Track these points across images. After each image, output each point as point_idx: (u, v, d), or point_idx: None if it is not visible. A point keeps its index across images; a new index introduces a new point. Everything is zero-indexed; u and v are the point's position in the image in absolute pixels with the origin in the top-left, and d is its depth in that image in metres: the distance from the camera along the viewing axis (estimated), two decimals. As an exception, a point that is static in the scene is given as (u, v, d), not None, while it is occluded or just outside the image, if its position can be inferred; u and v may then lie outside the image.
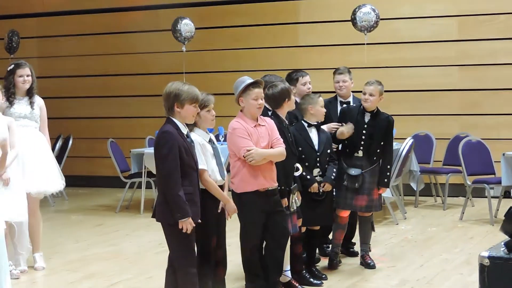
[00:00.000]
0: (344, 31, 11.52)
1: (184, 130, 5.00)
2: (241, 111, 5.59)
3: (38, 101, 7.17)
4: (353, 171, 6.65)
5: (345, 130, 6.65)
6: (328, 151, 6.47)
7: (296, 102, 6.22)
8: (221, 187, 5.38)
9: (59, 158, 10.15)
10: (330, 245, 7.03)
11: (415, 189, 10.29)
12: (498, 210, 9.24)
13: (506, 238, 3.74)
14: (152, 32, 12.89)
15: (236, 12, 12.42)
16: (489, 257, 3.69)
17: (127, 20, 13.14)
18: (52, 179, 7.18)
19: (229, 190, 5.53)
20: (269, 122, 5.67)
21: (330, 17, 11.87)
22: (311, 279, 6.29)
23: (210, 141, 5.40)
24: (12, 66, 7.12)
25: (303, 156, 6.24)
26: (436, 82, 11.38)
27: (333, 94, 7.43)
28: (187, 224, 4.84)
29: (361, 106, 6.74)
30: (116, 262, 7.41)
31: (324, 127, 6.61)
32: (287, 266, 6.06)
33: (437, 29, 11.39)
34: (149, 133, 11.24)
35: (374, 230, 7.36)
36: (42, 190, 7.10)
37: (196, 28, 11.63)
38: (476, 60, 11.18)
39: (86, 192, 12.57)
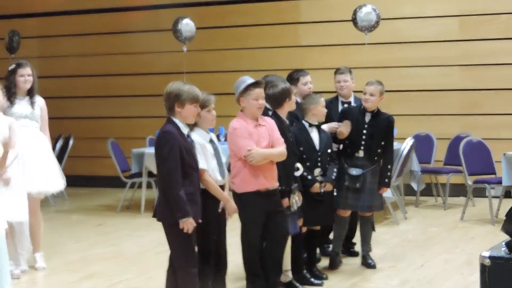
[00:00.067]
0: (345, 31, 11.51)
1: (185, 130, 5.00)
2: (241, 111, 5.59)
3: (39, 101, 7.17)
4: (354, 171, 6.65)
5: (344, 129, 6.66)
6: (329, 151, 6.47)
7: (296, 102, 6.22)
8: (222, 187, 5.38)
9: (59, 158, 10.14)
10: (331, 245, 7.03)
11: (416, 189, 10.28)
12: (499, 210, 9.24)
13: (507, 238, 3.74)
14: (152, 32, 12.89)
15: (237, 12, 12.42)
16: (490, 257, 3.69)
17: (128, 20, 13.14)
18: (53, 179, 7.18)
19: (230, 190, 5.53)
20: (270, 122, 5.67)
21: (330, 17, 11.87)
22: (312, 279, 6.29)
23: (211, 141, 5.40)
24: (14, 65, 7.13)
25: (304, 156, 6.24)
26: (437, 82, 11.37)
27: (334, 94, 7.42)
28: (187, 224, 4.85)
29: (362, 106, 6.75)
30: (116, 262, 7.41)
31: (324, 126, 6.62)
32: (288, 266, 6.06)
33: (437, 29, 11.38)
34: (149, 133, 11.24)
35: (374, 230, 7.35)
36: (43, 190, 7.10)
37: (196, 28, 11.63)
38: (477, 60, 11.18)
39: (86, 192, 12.57)
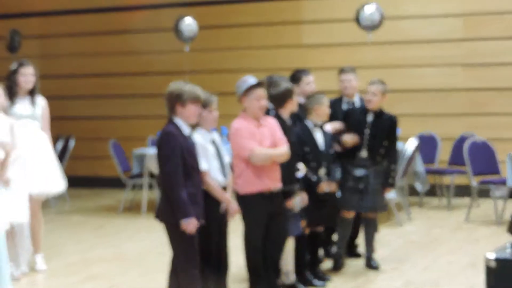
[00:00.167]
0: (347, 30, 11.50)
1: (187, 131, 5.00)
2: (243, 111, 5.58)
3: (40, 101, 7.17)
4: (358, 172, 6.65)
5: (349, 139, 6.67)
6: (332, 151, 6.48)
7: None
8: (224, 188, 5.37)
9: (60, 159, 10.12)
10: (334, 246, 7.03)
11: (420, 189, 10.26)
12: (503, 211, 9.22)
13: (512, 239, 3.73)
14: (154, 31, 12.88)
15: (239, 11, 12.40)
16: (495, 259, 3.69)
17: (130, 20, 13.13)
18: (54, 180, 7.18)
19: (233, 191, 5.53)
20: (272, 122, 5.67)
21: (334, 16, 11.85)
22: (315, 281, 6.29)
23: (213, 141, 5.39)
24: (16, 65, 7.13)
25: (309, 156, 6.24)
26: (441, 81, 11.35)
27: (337, 94, 7.42)
28: (189, 225, 4.85)
29: (365, 106, 6.75)
30: (117, 264, 7.41)
31: (328, 126, 6.62)
32: (291, 267, 6.05)
33: (441, 28, 11.35)
34: (151, 133, 11.23)
35: (378, 231, 7.34)
36: (44, 191, 7.10)
37: (198, 28, 11.62)
38: (481, 59, 11.15)
39: (87, 193, 12.56)
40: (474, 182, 9.27)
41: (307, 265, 6.32)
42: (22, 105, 7.04)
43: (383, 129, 6.71)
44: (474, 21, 11.20)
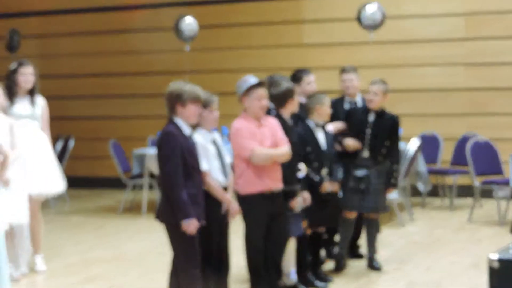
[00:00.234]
0: (349, 30, 11.49)
1: (187, 131, 5.00)
2: (244, 111, 5.58)
3: (40, 100, 7.17)
4: (359, 172, 6.64)
5: (352, 144, 6.66)
6: (334, 151, 6.48)
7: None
8: (225, 188, 5.37)
9: (60, 159, 10.13)
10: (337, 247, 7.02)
11: (422, 190, 10.25)
12: (506, 211, 9.21)
13: (515, 240, 3.73)
14: (154, 30, 12.87)
15: (239, 11, 12.40)
16: (498, 260, 3.68)
17: (130, 19, 13.12)
18: (53, 180, 7.17)
19: (233, 192, 5.52)
20: (273, 122, 5.66)
21: (335, 15, 11.84)
22: (317, 282, 6.28)
23: (214, 141, 5.39)
24: (15, 64, 7.13)
25: (311, 156, 6.23)
26: (443, 81, 11.35)
27: (338, 94, 7.41)
28: (190, 226, 4.84)
29: (366, 106, 6.75)
30: (117, 265, 7.40)
31: (330, 126, 6.62)
32: (292, 268, 6.05)
33: (443, 27, 11.35)
34: (151, 133, 11.22)
35: (380, 232, 7.33)
36: (44, 191, 7.10)
37: (199, 27, 11.61)
38: (484, 59, 11.14)
39: (87, 193, 12.56)
40: (477, 182, 9.27)
41: (308, 266, 6.31)
42: (22, 105, 7.04)
43: (385, 129, 6.71)
44: (476, 21, 11.19)
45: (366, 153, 6.70)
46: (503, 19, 11.04)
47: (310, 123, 6.34)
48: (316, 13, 11.99)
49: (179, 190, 4.83)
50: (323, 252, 6.84)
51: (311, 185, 6.15)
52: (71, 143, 11.68)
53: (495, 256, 3.69)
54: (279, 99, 5.86)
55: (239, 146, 5.49)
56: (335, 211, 6.51)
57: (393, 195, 8.56)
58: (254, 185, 5.48)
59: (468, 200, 10.19)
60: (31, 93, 7.10)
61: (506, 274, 3.65)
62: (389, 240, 8.18)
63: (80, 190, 12.53)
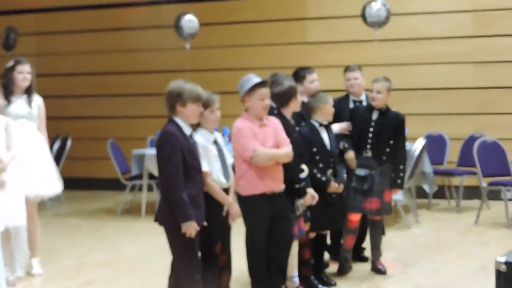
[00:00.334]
0: (353, 27, 11.49)
1: (187, 130, 5.00)
2: (246, 110, 5.57)
3: (37, 99, 7.17)
4: (361, 172, 6.64)
5: (351, 158, 6.68)
6: (337, 151, 6.49)
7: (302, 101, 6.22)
8: (227, 190, 5.37)
9: (57, 159, 10.15)
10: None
11: (428, 191, 10.25)
12: (514, 213, 9.21)
13: (523, 242, 3.72)
14: (154, 28, 12.88)
15: (241, 8, 12.40)
16: (506, 263, 3.67)
17: (128, 16, 13.13)
18: (51, 181, 7.17)
19: (235, 193, 5.52)
20: (275, 122, 5.66)
21: (339, 12, 11.84)
22: (320, 285, 6.28)
23: (215, 141, 5.39)
24: (12, 62, 7.13)
25: (317, 157, 6.23)
26: (449, 79, 11.34)
27: (342, 92, 7.41)
28: (190, 228, 4.84)
29: (370, 104, 6.75)
30: (116, 268, 7.40)
31: (335, 127, 6.62)
32: (295, 272, 6.04)
33: (450, 24, 11.34)
34: (150, 134, 11.23)
35: (385, 234, 7.33)
36: (40, 193, 7.09)
37: (199, 24, 11.61)
38: (492, 57, 11.14)
39: (85, 195, 12.57)
40: (484, 183, 9.26)
41: (311, 269, 6.31)
42: (19, 104, 7.04)
43: (388, 127, 6.69)
44: (483, 18, 11.19)
45: (369, 153, 6.69)
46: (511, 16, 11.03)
47: (315, 122, 6.33)
48: (320, 9, 11.99)
49: (179, 191, 4.83)
50: (326, 256, 6.83)
51: (314, 186, 6.14)
52: (69, 143, 11.70)
53: (502, 259, 3.69)
54: (282, 98, 5.85)
55: (241, 146, 5.48)
56: (340, 213, 6.51)
57: (398, 197, 8.57)
58: (255, 186, 5.48)
59: (475, 202, 10.18)
60: (28, 92, 7.10)
61: (514, 277, 3.65)
62: (394, 242, 8.17)
63: (78, 191, 12.55)
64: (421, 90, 11.47)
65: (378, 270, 6.85)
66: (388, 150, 6.69)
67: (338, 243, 7.20)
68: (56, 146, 11.58)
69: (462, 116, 11.35)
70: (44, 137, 7.21)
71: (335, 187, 6.30)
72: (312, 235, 6.30)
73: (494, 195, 10.05)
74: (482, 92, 11.24)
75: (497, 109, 11.14)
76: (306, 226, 6.04)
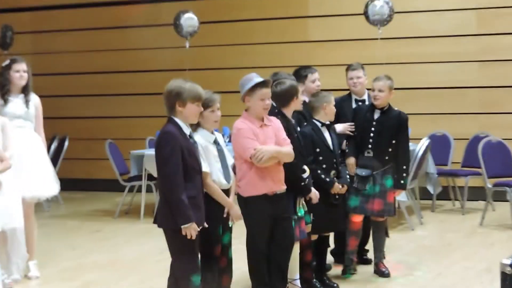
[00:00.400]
0: (356, 25, 11.48)
1: (187, 130, 4.99)
2: (246, 110, 5.56)
3: (34, 99, 7.17)
4: (363, 172, 6.63)
5: (352, 164, 6.68)
6: (340, 151, 6.48)
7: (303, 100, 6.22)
8: (227, 191, 5.36)
9: (54, 160, 10.14)
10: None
11: (432, 192, 10.25)
12: (520, 214, 9.21)
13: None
14: (153, 26, 12.88)
15: (242, 6, 12.40)
16: (511, 265, 3.67)
17: (127, 14, 13.14)
18: (48, 182, 7.17)
19: (235, 194, 5.51)
20: (276, 122, 5.64)
21: (341, 10, 11.85)
22: (322, 288, 6.28)
23: (216, 142, 5.38)
24: (8, 61, 7.13)
25: (321, 157, 6.22)
26: (453, 79, 11.34)
27: (344, 91, 7.41)
28: (190, 230, 4.83)
29: (372, 103, 6.75)
30: (114, 270, 7.40)
31: (338, 127, 6.62)
32: (297, 274, 6.04)
33: (454, 22, 11.34)
34: (149, 134, 11.23)
35: (388, 236, 7.32)
36: (37, 194, 7.09)
37: (199, 23, 11.61)
38: (496, 55, 11.14)
39: (83, 196, 12.57)
40: (489, 184, 9.25)
41: (313, 271, 6.30)
42: (15, 104, 7.04)
43: (390, 127, 6.67)
44: (488, 15, 11.19)
45: (371, 153, 6.67)
46: (516, 14, 11.03)
47: (317, 122, 6.32)
48: (321, 7, 11.99)
49: (178, 192, 4.82)
50: (328, 258, 6.83)
51: (317, 187, 6.13)
52: (66, 144, 11.69)
53: (508, 261, 3.68)
54: (283, 97, 5.84)
55: (241, 146, 5.47)
56: (342, 215, 6.50)
57: (401, 198, 8.56)
58: (256, 187, 5.47)
59: (480, 203, 10.18)
60: (25, 91, 7.10)
61: (520, 280, 3.64)
62: (398, 244, 8.17)
63: (76, 192, 12.55)
64: (424, 89, 11.47)
65: (381, 272, 6.84)
66: (390, 150, 6.67)
67: (343, 247, 7.19)
68: (54, 146, 11.58)
69: (466, 116, 11.35)
70: (41, 137, 7.20)
71: (338, 188, 6.29)
72: (314, 237, 6.29)
73: (499, 196, 10.05)
74: (486, 91, 11.24)
75: (502, 108, 11.14)
76: (307, 228, 6.03)
